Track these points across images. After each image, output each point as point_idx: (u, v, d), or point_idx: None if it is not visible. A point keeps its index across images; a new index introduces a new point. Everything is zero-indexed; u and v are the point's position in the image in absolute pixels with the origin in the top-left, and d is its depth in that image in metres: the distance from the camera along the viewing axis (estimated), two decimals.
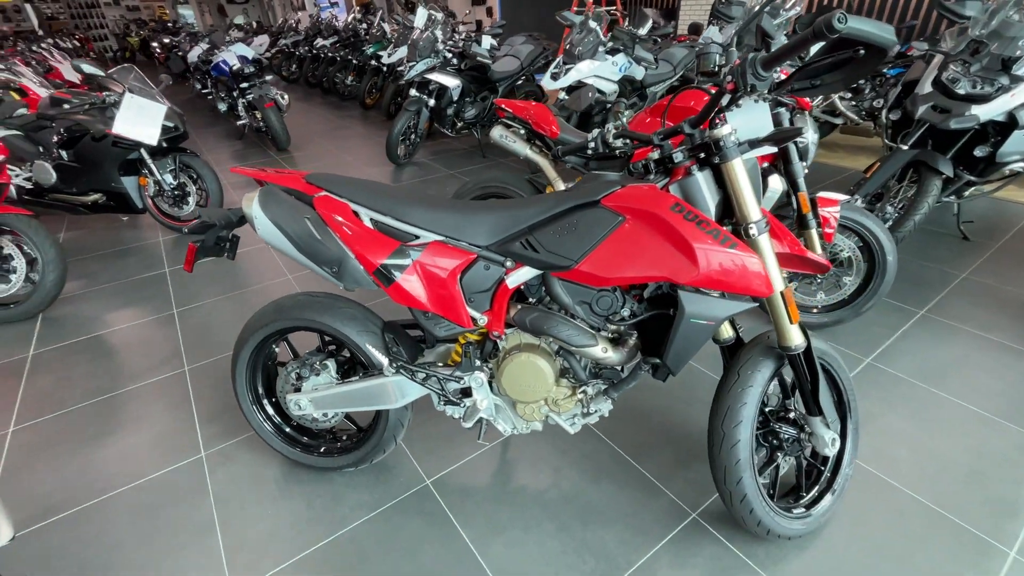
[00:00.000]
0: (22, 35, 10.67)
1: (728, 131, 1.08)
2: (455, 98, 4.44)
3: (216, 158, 5.29)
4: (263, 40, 9.65)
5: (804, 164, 1.96)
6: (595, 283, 1.14)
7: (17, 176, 3.15)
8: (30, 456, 1.73)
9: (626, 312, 1.23)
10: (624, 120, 1.55)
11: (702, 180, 1.12)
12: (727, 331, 1.35)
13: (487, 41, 5.34)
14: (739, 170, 1.09)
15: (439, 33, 4.42)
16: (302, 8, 14.57)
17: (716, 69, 1.60)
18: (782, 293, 1.16)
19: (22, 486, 1.62)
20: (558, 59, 3.93)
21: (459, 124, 4.75)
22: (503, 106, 2.30)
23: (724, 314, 1.10)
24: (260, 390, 1.56)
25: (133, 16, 16.92)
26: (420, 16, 4.43)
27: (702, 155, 1.13)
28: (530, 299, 1.29)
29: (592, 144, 1.60)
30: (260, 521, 1.48)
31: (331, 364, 1.45)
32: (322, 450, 1.59)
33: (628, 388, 1.28)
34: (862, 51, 0.85)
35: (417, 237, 1.24)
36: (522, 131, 2.27)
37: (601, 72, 3.83)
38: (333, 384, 1.43)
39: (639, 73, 4.05)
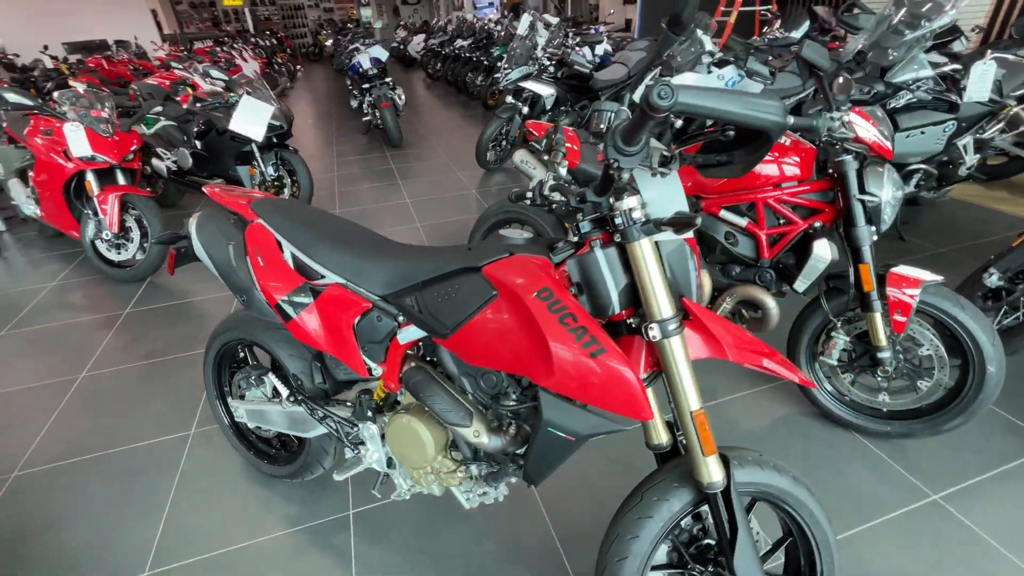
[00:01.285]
0: (241, 34, 12.98)
1: (631, 205, 0.86)
2: (548, 107, 4.33)
3: (340, 149, 5.88)
4: (419, 39, 10.46)
5: (875, 228, 1.53)
6: (466, 360, 1.01)
7: (167, 159, 3.83)
8: (83, 402, 2.09)
9: (512, 397, 1.06)
10: (561, 164, 1.28)
11: (602, 259, 0.91)
12: (660, 435, 1.09)
13: (601, 47, 5.12)
14: (645, 254, 0.87)
15: (540, 40, 4.33)
16: (460, 8, 15.47)
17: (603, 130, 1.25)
18: (692, 414, 0.90)
19: (64, 426, 1.96)
20: (654, 71, 3.60)
21: None
22: (529, 127, 2.16)
23: (585, 431, 0.89)
24: (224, 387, 1.68)
25: (327, 17, 19.54)
26: (523, 22, 4.39)
27: (608, 228, 0.92)
28: (429, 358, 1.19)
29: (530, 193, 1.41)
30: (203, 510, 1.60)
31: (268, 380, 1.50)
32: (266, 456, 1.66)
33: (503, 482, 1.12)
34: (730, 132, 0.60)
35: (323, 276, 1.21)
36: (546, 157, 2.10)
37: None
38: (263, 400, 1.47)
39: (753, 89, 3.54)
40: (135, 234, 2.99)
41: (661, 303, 0.87)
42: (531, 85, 4.20)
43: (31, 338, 2.54)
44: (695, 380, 0.90)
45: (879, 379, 1.65)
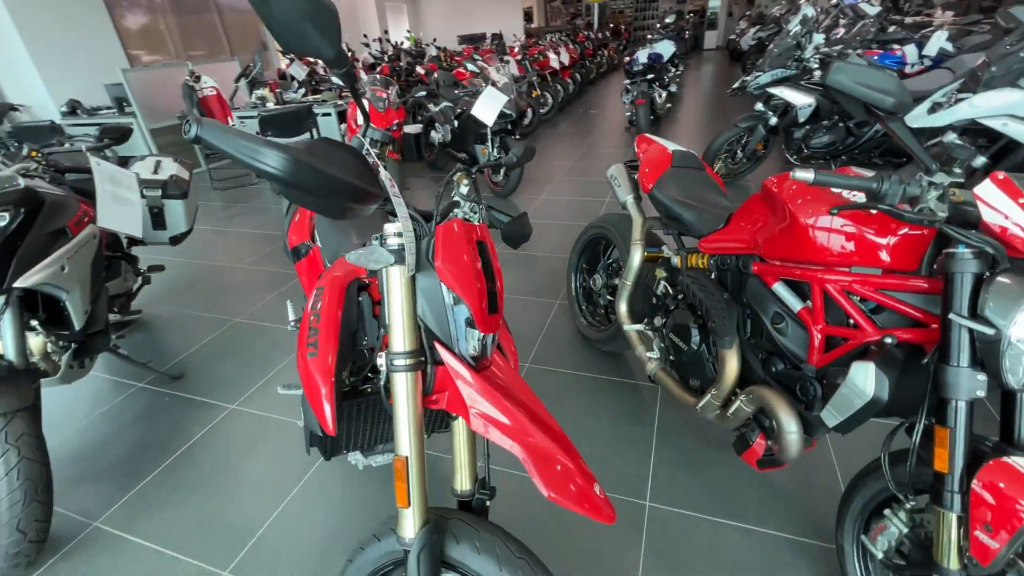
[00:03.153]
0: (587, 28, 14.42)
1: (392, 231, 0.86)
2: (801, 119, 3.56)
3: (592, 141, 6.15)
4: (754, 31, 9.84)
5: (985, 379, 0.91)
6: None
7: (436, 133, 4.85)
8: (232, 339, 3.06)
9: None
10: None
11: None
12: (464, 482, 1.03)
13: (935, 43, 3.79)
14: (391, 282, 0.87)
15: (818, 38, 3.53)
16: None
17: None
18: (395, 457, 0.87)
19: (216, 368, 2.94)
20: (954, 82, 2.55)
21: (805, 151, 3.79)
22: (639, 142, 1.93)
23: None
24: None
25: (676, 8, 19.58)
26: (795, 19, 3.62)
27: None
28: None
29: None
30: None
31: None
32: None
33: None
34: None
35: None
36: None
37: (1019, 110, 2.28)
38: None
39: None
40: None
41: (394, 334, 0.87)
42: (782, 92, 3.51)
43: None
44: (414, 425, 0.86)
45: None
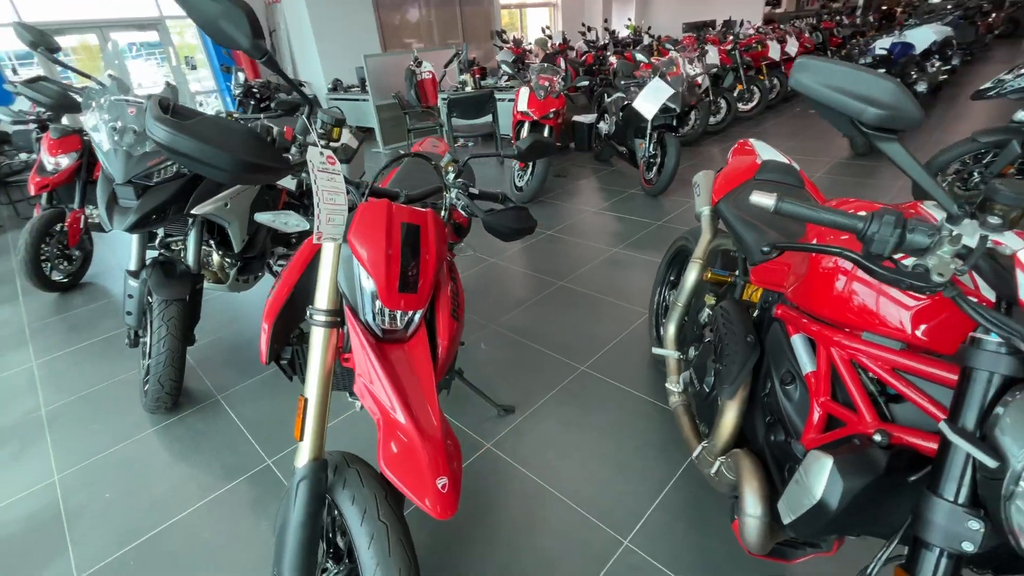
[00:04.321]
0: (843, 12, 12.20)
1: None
2: None
3: (801, 145, 5.29)
4: None
5: (981, 529, 0.63)
6: None
7: (604, 124, 4.78)
8: None
9: None
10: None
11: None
12: None
13: None
14: (324, 251, 1.00)
15: None
16: None
17: None
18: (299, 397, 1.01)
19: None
20: None
21: None
22: (737, 149, 1.63)
23: None
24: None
25: None
26: None
27: None
28: None
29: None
30: None
31: None
32: None
33: None
34: None
35: None
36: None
37: None
38: None
39: None
40: (530, 171, 4.15)
41: (318, 293, 1.00)
42: None
43: None
44: (320, 372, 0.98)
45: None
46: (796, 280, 1.03)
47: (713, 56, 5.75)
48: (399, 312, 1.00)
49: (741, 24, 8.79)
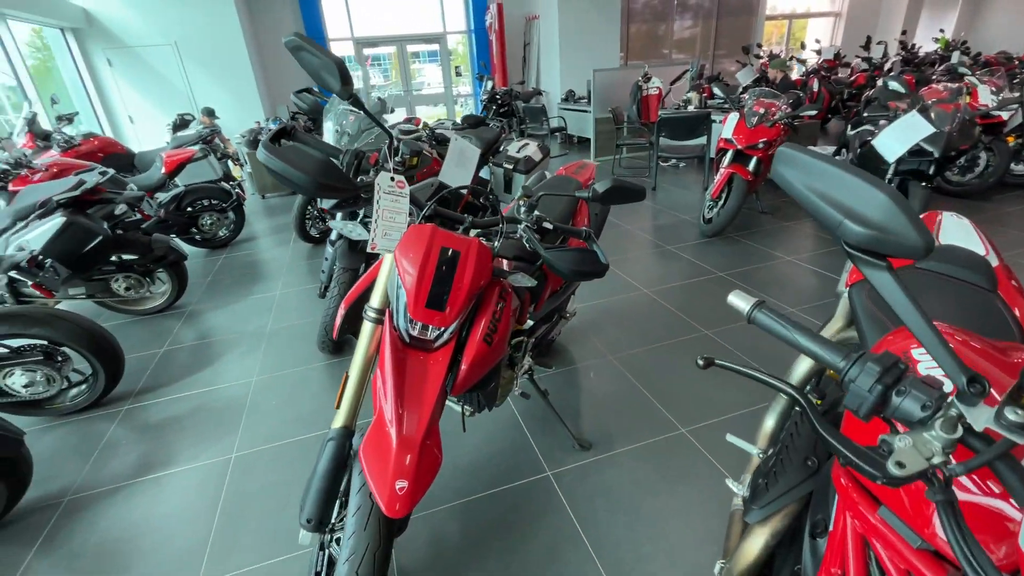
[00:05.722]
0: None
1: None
2: None
3: None
4: None
5: None
6: None
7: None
8: None
9: None
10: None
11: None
12: None
13: None
14: (385, 261, 1.18)
15: None
16: None
17: None
18: (345, 375, 1.22)
19: None
20: None
21: None
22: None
23: None
24: None
25: None
26: None
27: None
28: None
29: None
30: None
31: None
32: None
33: None
34: None
35: None
36: None
37: None
38: None
39: None
40: (721, 202, 3.77)
41: (374, 292, 1.20)
42: None
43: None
44: (362, 358, 1.19)
45: None
46: None
47: None
48: (432, 327, 1.11)
49: None
